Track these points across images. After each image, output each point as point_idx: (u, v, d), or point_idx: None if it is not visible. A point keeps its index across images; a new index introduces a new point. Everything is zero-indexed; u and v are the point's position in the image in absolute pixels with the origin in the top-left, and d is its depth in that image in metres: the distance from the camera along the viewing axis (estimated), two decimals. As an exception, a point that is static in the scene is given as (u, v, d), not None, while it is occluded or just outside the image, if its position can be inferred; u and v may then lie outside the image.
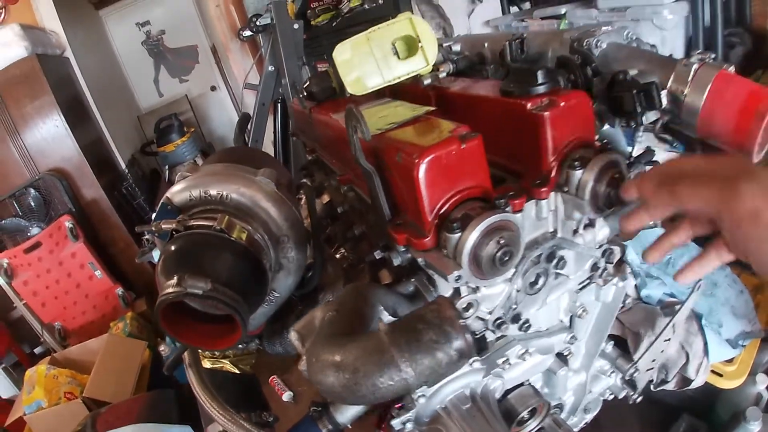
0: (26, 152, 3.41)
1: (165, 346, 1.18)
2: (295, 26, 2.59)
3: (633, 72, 0.82)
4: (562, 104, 0.66)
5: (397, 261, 0.69)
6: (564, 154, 0.68)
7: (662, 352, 1.48)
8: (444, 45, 1.20)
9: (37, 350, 3.71)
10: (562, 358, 0.98)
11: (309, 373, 0.57)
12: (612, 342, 1.15)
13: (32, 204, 3.40)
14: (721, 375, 1.72)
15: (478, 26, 2.79)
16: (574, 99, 0.68)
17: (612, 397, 1.28)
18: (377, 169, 0.67)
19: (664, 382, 1.75)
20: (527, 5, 2.97)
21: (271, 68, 2.59)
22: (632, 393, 1.24)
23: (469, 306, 0.68)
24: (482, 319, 0.74)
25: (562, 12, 2.38)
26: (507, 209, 0.60)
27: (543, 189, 0.67)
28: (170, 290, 0.66)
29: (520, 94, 0.70)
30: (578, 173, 0.66)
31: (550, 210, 0.72)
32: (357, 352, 0.54)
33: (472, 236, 0.56)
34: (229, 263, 0.73)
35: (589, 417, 1.29)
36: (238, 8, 3.60)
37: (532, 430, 0.95)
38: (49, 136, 3.41)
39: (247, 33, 2.79)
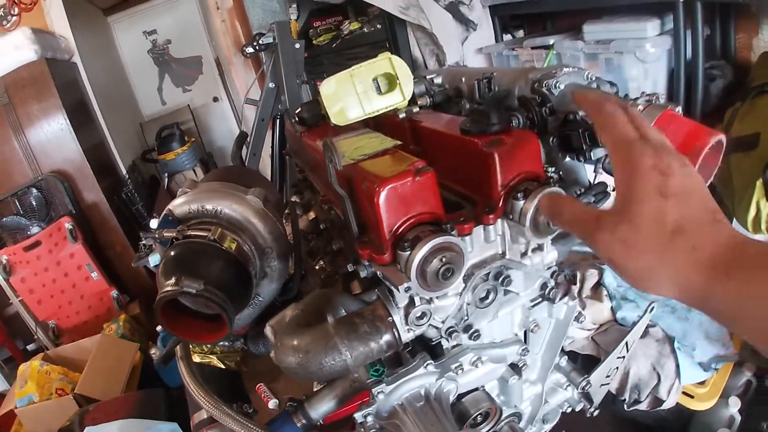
0: (30, 152, 3.50)
1: (156, 348, 1.28)
2: (297, 45, 2.70)
3: (583, 112, 0.93)
4: (510, 143, 0.77)
5: (363, 273, 0.79)
6: (511, 186, 0.79)
7: (616, 369, 1.56)
8: (427, 77, 1.31)
9: (30, 347, 3.77)
10: (516, 368, 1.08)
11: (275, 355, 0.71)
12: (566, 356, 1.25)
13: (34, 203, 3.48)
14: (692, 396, 1.78)
15: (471, 53, 2.88)
16: (520, 138, 0.79)
17: (570, 409, 1.36)
18: (348, 193, 0.78)
19: (637, 401, 1.81)
20: (520, 33, 3.09)
21: (271, 85, 2.69)
22: (588, 406, 1.32)
23: (423, 315, 0.79)
24: (436, 328, 0.85)
25: (551, 43, 2.48)
26: (453, 233, 0.70)
27: (490, 216, 0.78)
28: (168, 289, 0.76)
29: (475, 132, 0.81)
30: (520, 203, 0.76)
31: (498, 234, 0.82)
32: (309, 339, 0.69)
33: (419, 254, 0.67)
34: (220, 269, 0.84)
35: (547, 427, 1.36)
36: (243, 24, 3.70)
37: (487, 432, 1.04)
38: (54, 137, 3.50)
39: (250, 50, 2.89)
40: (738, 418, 1.78)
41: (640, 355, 1.79)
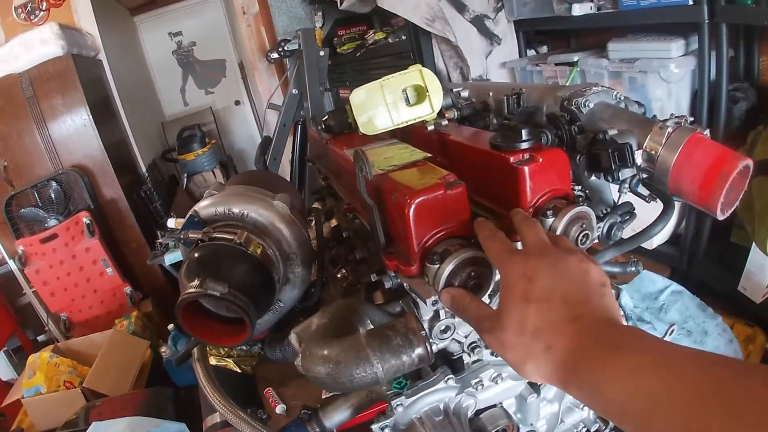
0: (52, 146, 3.54)
1: (166, 347, 1.28)
2: (321, 53, 2.71)
3: (613, 132, 0.92)
4: (541, 160, 0.77)
5: (388, 284, 0.79)
6: (540, 203, 0.79)
7: None
8: (454, 90, 1.31)
9: (41, 338, 3.80)
10: (535, 386, 1.07)
11: (303, 364, 0.70)
12: (583, 377, 1.24)
13: (53, 196, 3.52)
14: None
15: (495, 67, 2.88)
16: (551, 155, 0.79)
17: (585, 430, 1.36)
18: (377, 203, 0.78)
19: None
20: (544, 49, 3.08)
21: (294, 91, 2.71)
22: (604, 428, 1.31)
23: (447, 329, 0.79)
24: (459, 342, 0.85)
25: (575, 60, 2.48)
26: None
27: (519, 233, 0.77)
28: (192, 290, 0.76)
29: (505, 148, 0.81)
30: (549, 221, 0.76)
31: (526, 250, 0.82)
32: (340, 349, 0.68)
33: (448, 268, 0.67)
34: (244, 272, 0.83)
35: None
36: (269, 29, 3.73)
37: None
38: (76, 132, 3.54)
39: (275, 56, 2.92)
40: None
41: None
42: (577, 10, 2.33)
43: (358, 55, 3.22)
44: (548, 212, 0.76)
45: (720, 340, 1.85)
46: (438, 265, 0.68)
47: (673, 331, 1.59)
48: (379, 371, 0.68)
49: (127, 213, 3.66)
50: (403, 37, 2.98)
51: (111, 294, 3.51)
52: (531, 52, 3.02)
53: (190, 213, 0.94)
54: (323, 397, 1.30)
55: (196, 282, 0.77)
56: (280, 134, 2.76)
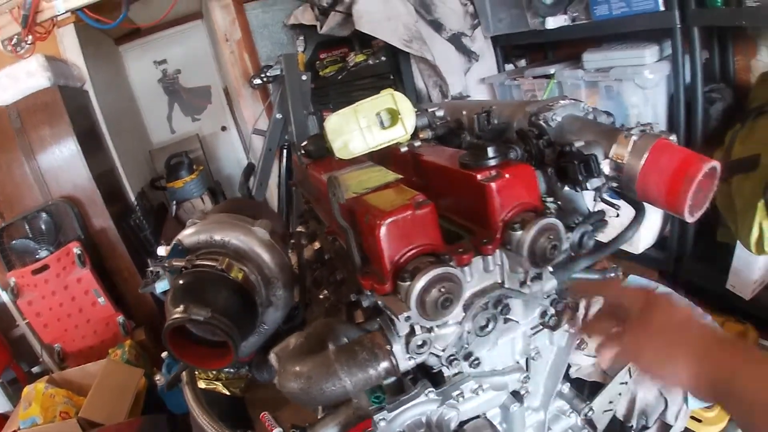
0: (41, 177, 3.54)
1: (160, 375, 1.30)
2: (304, 77, 2.74)
3: (580, 143, 0.95)
4: (507, 176, 0.80)
5: (365, 303, 0.82)
6: (509, 217, 0.82)
7: (619, 395, 1.57)
8: (429, 110, 1.34)
9: (35, 369, 3.77)
10: (517, 395, 1.09)
11: (279, 381, 0.73)
12: (568, 383, 1.26)
13: (43, 227, 3.51)
14: (700, 421, 1.77)
15: (474, 84, 2.92)
16: (518, 171, 0.82)
17: (573, 437, 1.37)
18: (351, 225, 0.81)
19: (645, 428, 1.80)
20: (522, 63, 3.13)
21: (278, 116, 2.73)
22: (594, 433, 1.33)
23: (424, 343, 0.81)
24: (437, 356, 0.87)
25: (552, 72, 2.52)
26: (451, 263, 0.73)
27: (489, 247, 0.80)
28: (177, 316, 0.79)
29: (473, 166, 0.84)
30: (518, 234, 0.79)
31: (497, 264, 0.85)
32: (311, 365, 0.72)
33: (419, 284, 0.70)
34: (227, 297, 0.87)
35: None
36: (252, 55, 3.77)
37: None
38: (64, 163, 3.54)
39: (258, 81, 2.95)
40: None
41: (647, 381, 1.78)
42: (551, 23, 2.39)
43: (340, 77, 3.27)
44: (516, 226, 0.79)
45: (710, 339, 1.86)
46: (409, 282, 0.71)
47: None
48: (348, 384, 0.71)
49: (117, 242, 3.66)
50: (383, 58, 3.04)
51: (104, 324, 3.50)
52: (509, 67, 3.07)
53: (174, 242, 0.97)
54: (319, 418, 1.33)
55: (180, 308, 0.81)
56: (265, 159, 2.79)
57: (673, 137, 0.90)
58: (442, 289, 0.71)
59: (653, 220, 2.39)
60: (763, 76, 2.00)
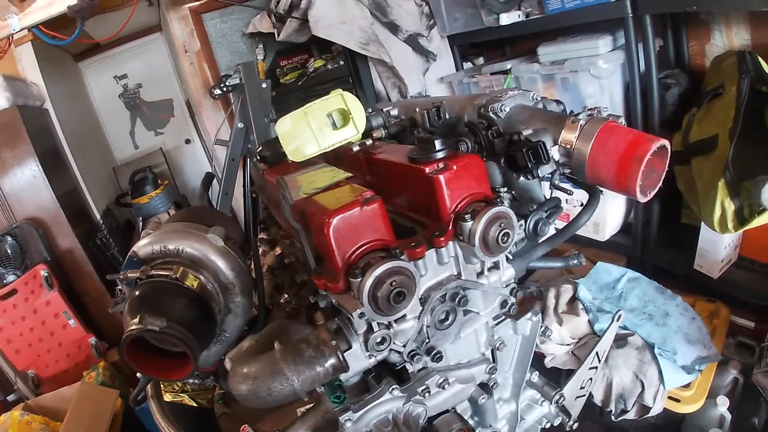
0: (4, 200, 3.45)
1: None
2: (264, 85, 2.73)
3: (528, 132, 0.96)
4: (455, 167, 0.81)
5: (322, 303, 0.82)
6: (460, 208, 0.82)
7: (590, 380, 1.57)
8: (384, 110, 1.35)
9: (11, 398, 3.66)
10: (486, 387, 1.09)
11: (230, 383, 0.72)
12: (537, 371, 1.27)
13: (9, 251, 3.42)
14: (678, 400, 1.77)
15: (433, 84, 2.94)
16: (466, 162, 0.83)
17: (548, 424, 1.38)
18: (303, 226, 0.81)
19: (624, 411, 1.80)
20: (480, 60, 3.16)
21: (240, 125, 2.71)
22: (567, 420, 1.34)
23: (383, 340, 0.81)
24: (398, 352, 0.87)
25: (508, 67, 2.55)
26: (402, 258, 0.73)
27: (441, 239, 0.81)
28: (133, 327, 0.78)
29: (422, 159, 0.84)
30: (468, 224, 0.80)
31: (451, 256, 0.85)
32: (258, 366, 0.72)
33: (370, 280, 0.70)
34: (183, 306, 0.86)
35: None
36: (212, 66, 3.73)
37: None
38: (27, 184, 3.46)
39: (218, 91, 2.92)
40: (728, 416, 1.78)
41: (622, 365, 1.79)
42: (505, 19, 2.41)
43: (300, 84, 3.25)
44: (466, 216, 0.80)
45: (682, 319, 1.89)
46: (360, 279, 0.71)
47: (619, 317, 1.63)
48: (295, 383, 0.71)
49: (84, 262, 3.59)
50: (341, 63, 3.04)
51: (76, 346, 3.43)
52: (468, 65, 3.09)
53: (129, 254, 0.95)
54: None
55: (136, 319, 0.79)
56: (229, 169, 2.76)
57: (621, 120, 0.91)
58: (394, 283, 0.71)
59: (617, 207, 2.42)
60: (716, 60, 2.04)
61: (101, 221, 3.97)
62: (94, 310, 3.63)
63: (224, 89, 2.87)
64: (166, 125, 5.16)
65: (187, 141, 5.17)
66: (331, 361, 0.72)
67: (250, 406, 0.72)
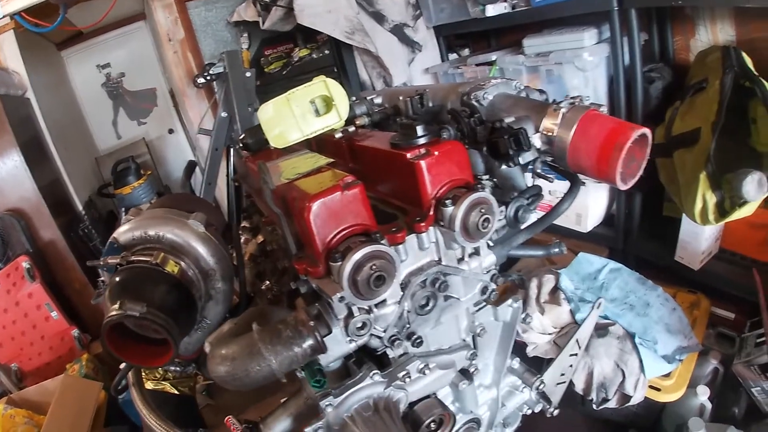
0: (-16, 192, 3.42)
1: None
2: (248, 74, 2.71)
3: (510, 119, 0.97)
4: (437, 153, 0.81)
5: (303, 289, 0.82)
6: (441, 194, 0.83)
7: (571, 366, 1.59)
8: (368, 98, 1.35)
9: (-6, 392, 3.65)
10: (467, 374, 1.10)
11: (208, 366, 0.72)
12: (518, 358, 1.28)
13: (-10, 243, 3.40)
14: (659, 389, 1.78)
15: (418, 74, 2.93)
16: (448, 148, 0.83)
17: (529, 411, 1.39)
18: (285, 212, 0.81)
19: (605, 400, 1.81)
20: (466, 51, 3.16)
21: (224, 114, 2.70)
22: (548, 406, 1.35)
23: (363, 325, 0.81)
24: (379, 337, 0.88)
25: (493, 59, 2.55)
26: (383, 242, 0.73)
27: (422, 224, 0.81)
28: (113, 313, 0.78)
29: (404, 145, 0.85)
30: (449, 210, 0.80)
31: (432, 242, 0.86)
32: (236, 347, 0.72)
33: (349, 264, 0.70)
34: (163, 292, 0.85)
35: (509, 430, 1.37)
36: (196, 55, 3.70)
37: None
38: (8, 175, 3.41)
39: (201, 80, 2.90)
40: (708, 406, 1.80)
41: (602, 354, 1.81)
42: (491, 10, 2.41)
43: (284, 72, 3.23)
44: (447, 201, 0.80)
45: (663, 309, 1.90)
46: (340, 263, 0.71)
47: (599, 305, 1.64)
48: (273, 364, 0.71)
49: (66, 254, 3.55)
50: (326, 52, 3.02)
51: (59, 338, 3.39)
52: (453, 56, 3.09)
53: (109, 240, 0.95)
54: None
55: (116, 305, 0.79)
56: (212, 159, 2.75)
57: (603, 108, 0.92)
58: (374, 267, 0.71)
59: (600, 198, 2.44)
60: (700, 55, 2.06)
61: (83, 212, 3.93)
62: (77, 302, 3.59)
63: (208, 78, 2.85)
64: (150, 115, 5.11)
65: (170, 131, 5.11)
66: (309, 341, 0.72)
67: (228, 388, 0.72)
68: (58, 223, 3.51)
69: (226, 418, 1.74)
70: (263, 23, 3.04)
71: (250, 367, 0.70)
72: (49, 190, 3.58)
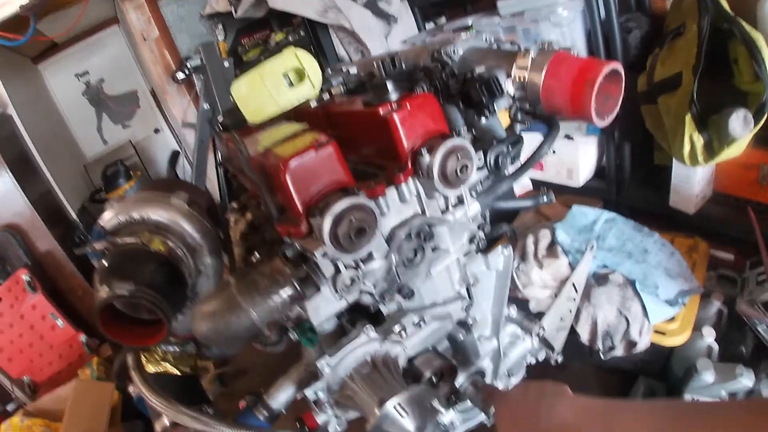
0: (-21, 211, 3.43)
1: (133, 386, 1.28)
2: (226, 64, 2.71)
3: (481, 69, 0.97)
4: (408, 106, 0.82)
5: (289, 253, 0.83)
6: (417, 146, 0.83)
7: (570, 311, 1.60)
8: (343, 69, 1.35)
9: (10, 407, 3.64)
10: (464, 325, 1.11)
11: (193, 328, 0.73)
12: (515, 305, 1.29)
13: (-11, 260, 3.41)
14: (664, 333, 1.80)
15: (396, 46, 2.91)
16: (419, 100, 0.84)
17: (533, 360, 1.40)
18: (264, 179, 0.82)
19: (612, 348, 1.83)
20: (443, 20, 3.14)
21: (206, 106, 2.70)
22: (551, 352, 1.36)
23: (352, 281, 0.82)
24: (370, 294, 0.89)
25: (469, 23, 2.54)
26: (360, 194, 0.74)
27: (399, 175, 0.82)
28: (103, 295, 0.78)
29: (376, 103, 0.85)
30: (426, 158, 0.81)
31: (413, 194, 0.86)
32: (215, 302, 0.72)
33: (329, 218, 0.71)
34: (152, 270, 0.86)
35: (514, 380, 1.37)
36: (172, 52, 3.68)
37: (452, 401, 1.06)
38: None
39: (181, 75, 2.90)
40: (716, 347, 1.81)
41: (605, 303, 1.82)
42: (462, -26, 2.40)
43: (263, 59, 3.21)
44: (423, 151, 0.81)
45: (661, 254, 1.92)
46: (320, 219, 0.72)
47: (593, 247, 1.65)
48: (253, 315, 0.72)
49: (65, 262, 3.57)
50: (302, 33, 3.01)
51: (67, 346, 3.42)
52: (430, 25, 3.08)
53: (94, 227, 0.95)
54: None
55: (105, 287, 0.80)
56: (199, 151, 2.75)
57: (573, 52, 0.92)
58: (353, 220, 0.72)
59: (589, 153, 2.45)
60: (676, 1, 2.05)
61: (78, 220, 3.94)
62: (82, 308, 3.61)
63: (187, 73, 2.84)
64: (133, 117, 5.07)
65: (156, 130, 5.08)
66: (287, 290, 0.73)
67: (213, 345, 0.73)
68: (54, 234, 3.52)
69: (239, 403, 1.76)
70: (236, 12, 3.02)
71: (230, 321, 0.71)
72: (41, 203, 3.59)
